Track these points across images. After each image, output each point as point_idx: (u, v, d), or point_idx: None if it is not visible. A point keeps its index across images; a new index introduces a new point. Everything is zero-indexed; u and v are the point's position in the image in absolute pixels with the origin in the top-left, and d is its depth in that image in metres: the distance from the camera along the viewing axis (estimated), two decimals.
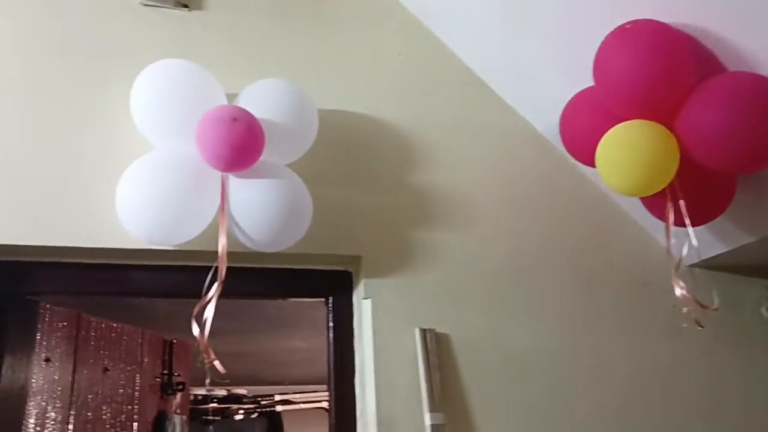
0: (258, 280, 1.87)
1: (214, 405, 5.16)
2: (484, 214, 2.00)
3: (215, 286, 1.56)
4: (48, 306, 1.85)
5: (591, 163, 1.72)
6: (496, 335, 1.87)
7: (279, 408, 5.16)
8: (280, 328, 3.69)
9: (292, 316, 3.43)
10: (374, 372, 1.75)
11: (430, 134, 2.04)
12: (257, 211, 1.63)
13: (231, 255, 1.59)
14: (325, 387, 5.85)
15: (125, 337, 2.25)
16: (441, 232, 1.94)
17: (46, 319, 1.85)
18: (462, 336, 1.84)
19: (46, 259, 1.74)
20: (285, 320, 3.50)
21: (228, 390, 5.32)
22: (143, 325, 2.38)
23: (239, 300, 2.49)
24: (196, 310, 1.53)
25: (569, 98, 1.83)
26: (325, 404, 5.38)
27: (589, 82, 1.68)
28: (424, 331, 1.80)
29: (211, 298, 1.53)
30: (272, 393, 5.33)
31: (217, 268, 1.56)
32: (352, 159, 1.95)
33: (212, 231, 1.63)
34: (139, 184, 1.60)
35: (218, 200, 1.62)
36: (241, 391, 5.32)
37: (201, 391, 4.99)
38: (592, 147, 1.69)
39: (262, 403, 5.40)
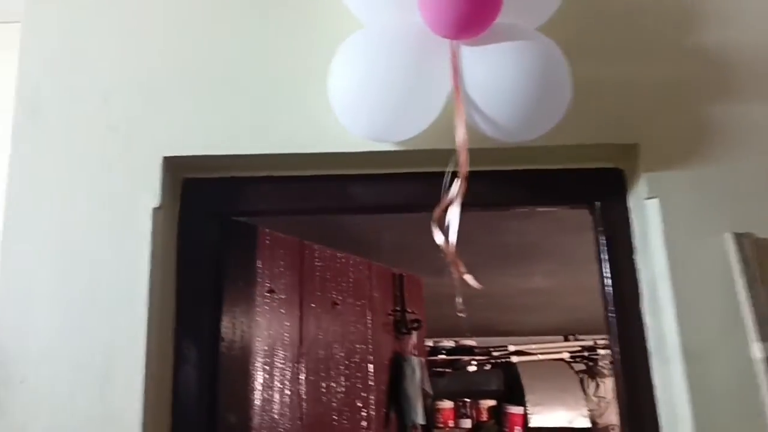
0: (502, 186, 1.53)
1: (443, 357, 5.01)
2: None
3: (456, 184, 1.25)
4: (268, 231, 1.68)
5: None
6: None
7: (515, 359, 4.87)
8: (519, 261, 3.33)
9: (534, 246, 3.05)
10: (672, 293, 1.35)
11: None
12: (500, 87, 1.29)
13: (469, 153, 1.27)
14: (561, 339, 5.45)
15: (352, 269, 2.06)
16: (752, 106, 1.47)
17: (267, 245, 1.68)
18: None
19: (256, 174, 1.55)
20: (525, 251, 3.13)
21: (456, 341, 5.14)
22: (368, 257, 2.17)
23: (471, 223, 2.18)
24: (436, 213, 1.24)
25: None
26: (565, 355, 5.00)
27: None
28: (739, 237, 1.35)
29: (454, 197, 1.22)
30: (505, 344, 5.04)
31: (452, 173, 1.25)
32: (617, 21, 1.54)
33: (442, 126, 1.32)
34: (351, 67, 1.34)
35: (449, 78, 1.30)
36: (470, 342, 5.11)
37: (428, 343, 4.86)
38: None
39: (494, 354, 5.14)
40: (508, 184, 1.54)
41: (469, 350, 4.95)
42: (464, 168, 1.24)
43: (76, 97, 1.50)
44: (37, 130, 1.49)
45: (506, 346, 4.99)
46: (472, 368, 4.90)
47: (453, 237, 1.21)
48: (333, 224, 2.00)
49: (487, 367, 4.97)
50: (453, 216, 1.22)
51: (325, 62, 1.38)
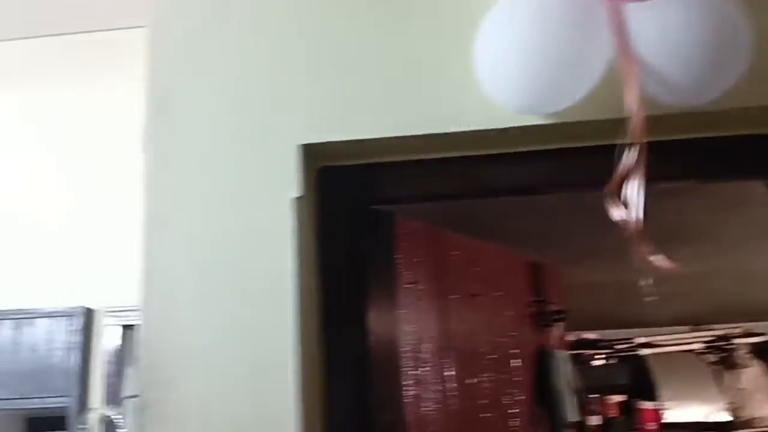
0: (668, 158, 1.38)
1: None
2: None
3: (630, 155, 1.13)
4: (405, 219, 1.61)
5: None
6: None
7: (644, 351, 4.62)
8: (656, 244, 3.11)
9: (675, 227, 2.83)
10: None
11: None
12: (671, 45, 1.17)
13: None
14: (687, 329, 5.14)
15: (489, 258, 1.96)
16: None
17: (405, 234, 1.61)
18: None
19: (394, 159, 1.48)
20: (665, 233, 2.91)
21: (576, 335, 4.94)
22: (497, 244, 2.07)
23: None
24: (611, 186, 1.12)
25: None
26: (696, 346, 4.72)
27: None
28: None
29: (631, 168, 1.11)
30: (630, 336, 4.79)
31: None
32: None
33: (600, 94, 1.22)
34: (500, 34, 1.25)
35: (610, 39, 1.18)
36: (591, 335, 4.89)
37: None
38: None
39: (616, 347, 4.90)
40: (676, 156, 1.40)
41: (592, 344, 4.74)
42: (640, 134, 1.12)
43: (207, 90, 1.48)
44: (170, 128, 1.47)
45: (632, 339, 4.75)
46: (596, 362, 4.69)
47: (638, 213, 1.09)
48: (466, 209, 1.90)
49: (612, 360, 4.75)
50: (635, 190, 1.10)
51: (463, 36, 1.31)
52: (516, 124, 1.34)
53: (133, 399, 2.07)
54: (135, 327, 2.96)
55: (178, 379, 1.30)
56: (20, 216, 3.06)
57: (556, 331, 2.19)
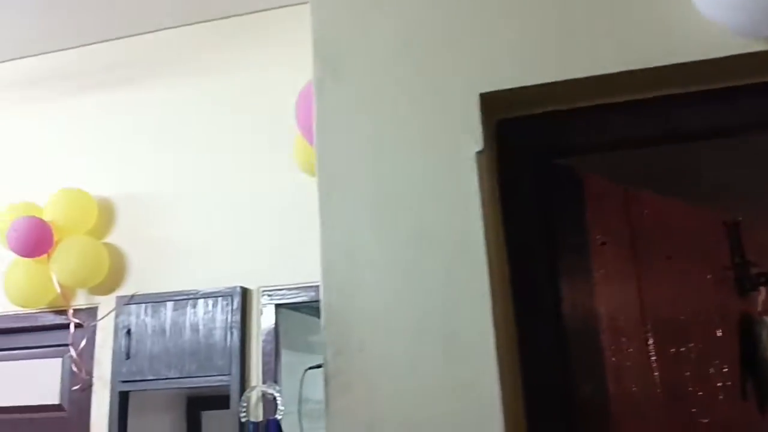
0: None
1: None
2: None
3: None
4: (593, 175, 1.48)
5: None
6: None
7: None
8: None
9: None
10: None
11: None
12: None
13: None
14: None
15: (684, 217, 1.78)
16: None
17: (593, 191, 1.48)
18: None
19: (581, 104, 1.35)
20: None
21: None
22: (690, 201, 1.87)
23: None
24: None
25: None
26: None
27: None
28: None
29: None
30: None
31: None
32: None
33: None
34: None
35: None
36: None
37: None
38: None
39: None
40: None
41: None
42: None
43: (377, 46, 1.41)
44: (341, 88, 1.42)
45: None
46: None
47: None
48: (655, 161, 1.71)
49: None
50: None
51: None
52: (735, 52, 1.18)
53: (316, 369, 2.08)
54: (290, 306, 3.01)
55: (364, 346, 1.25)
56: (178, 201, 3.19)
57: (763, 295, 1.97)
